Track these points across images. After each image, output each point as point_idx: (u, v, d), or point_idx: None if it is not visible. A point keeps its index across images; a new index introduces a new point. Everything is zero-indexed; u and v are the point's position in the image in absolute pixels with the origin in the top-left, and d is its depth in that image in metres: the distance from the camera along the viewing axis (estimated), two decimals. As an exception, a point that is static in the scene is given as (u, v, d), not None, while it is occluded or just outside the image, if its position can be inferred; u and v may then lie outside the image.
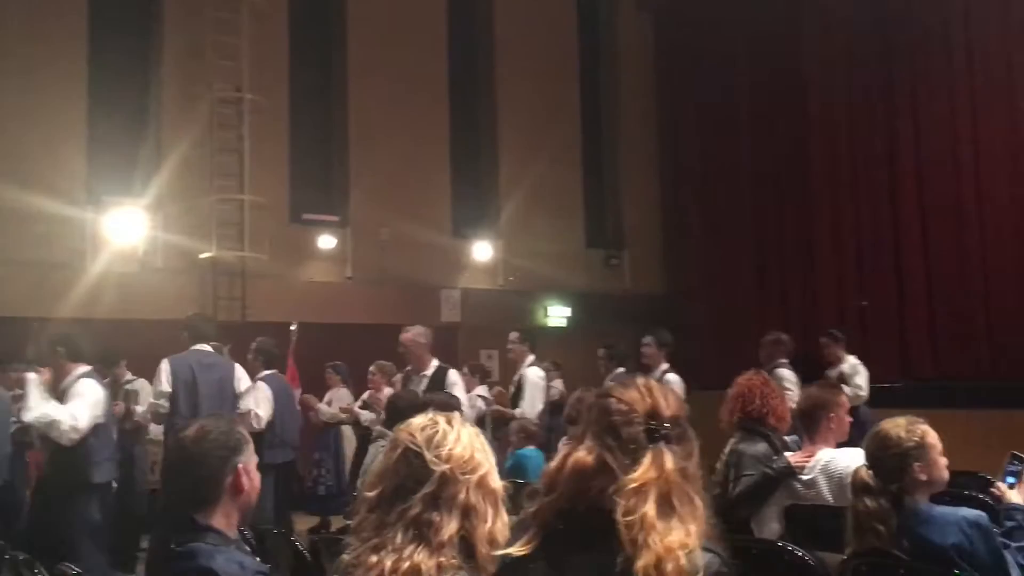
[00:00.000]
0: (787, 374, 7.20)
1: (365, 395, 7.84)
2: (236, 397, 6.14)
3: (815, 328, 12.42)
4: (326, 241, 11.89)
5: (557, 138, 13.70)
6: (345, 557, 1.94)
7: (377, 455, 4.97)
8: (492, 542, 1.88)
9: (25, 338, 8.49)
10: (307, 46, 12.34)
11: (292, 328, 9.20)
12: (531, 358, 7.10)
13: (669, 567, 1.55)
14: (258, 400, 6.44)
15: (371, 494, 1.96)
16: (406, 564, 1.83)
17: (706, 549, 1.63)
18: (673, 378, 6.79)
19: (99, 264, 10.18)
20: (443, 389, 6.03)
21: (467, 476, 1.93)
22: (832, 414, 3.93)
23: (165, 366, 5.94)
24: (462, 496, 1.91)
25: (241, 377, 6.30)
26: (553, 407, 7.63)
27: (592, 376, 7.46)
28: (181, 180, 10.76)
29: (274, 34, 11.63)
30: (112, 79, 10.88)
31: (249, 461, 2.36)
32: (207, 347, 6.18)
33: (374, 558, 1.86)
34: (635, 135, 14.82)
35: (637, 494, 1.61)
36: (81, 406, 5.14)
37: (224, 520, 2.30)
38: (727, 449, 4.24)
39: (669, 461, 1.64)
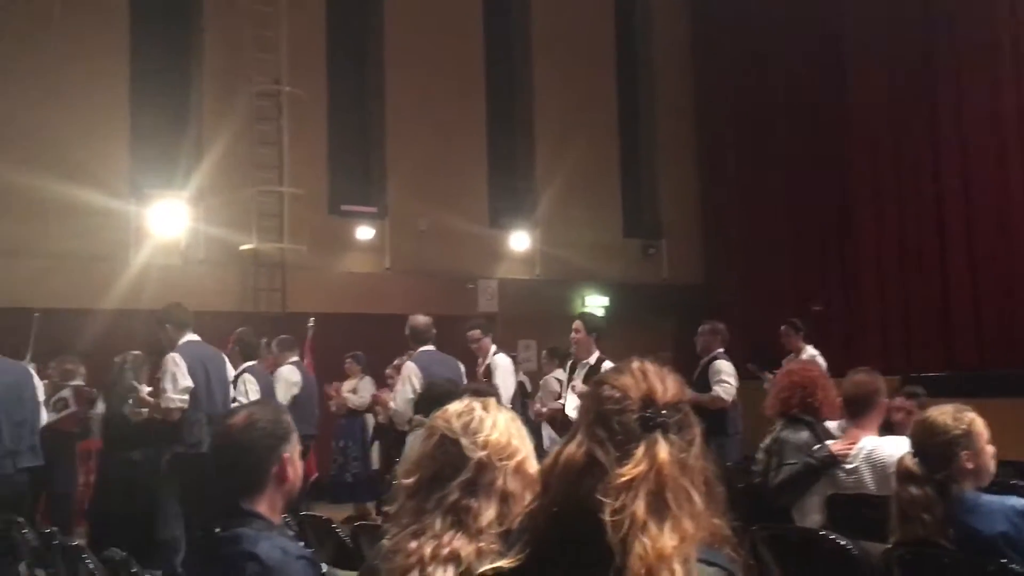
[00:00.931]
0: (725, 366, 6.96)
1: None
2: (229, 388, 6.13)
3: (858, 321, 12.34)
4: (364, 232, 11.96)
5: (593, 127, 13.65)
6: (385, 543, 1.95)
7: (415, 443, 5.02)
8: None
9: (72, 330, 8.69)
10: (344, 37, 12.40)
11: (310, 324, 9.24)
12: (493, 348, 7.08)
13: None
14: (248, 391, 6.45)
15: (409, 481, 1.96)
16: (446, 550, 1.84)
17: (708, 562, 1.44)
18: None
19: (142, 256, 10.34)
20: None
21: (504, 462, 1.93)
22: (881, 400, 3.89)
23: (180, 361, 5.70)
24: (500, 482, 1.92)
25: (230, 367, 6.29)
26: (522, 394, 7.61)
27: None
28: (222, 173, 10.88)
29: (312, 26, 11.71)
30: (154, 72, 11.03)
31: (295, 450, 2.38)
32: (196, 336, 6.04)
33: (414, 544, 1.87)
34: (672, 123, 14.71)
35: (626, 491, 1.41)
36: None
37: (269, 507, 2.32)
38: (769, 437, 4.20)
39: (664, 452, 1.44)
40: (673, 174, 14.66)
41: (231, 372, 6.27)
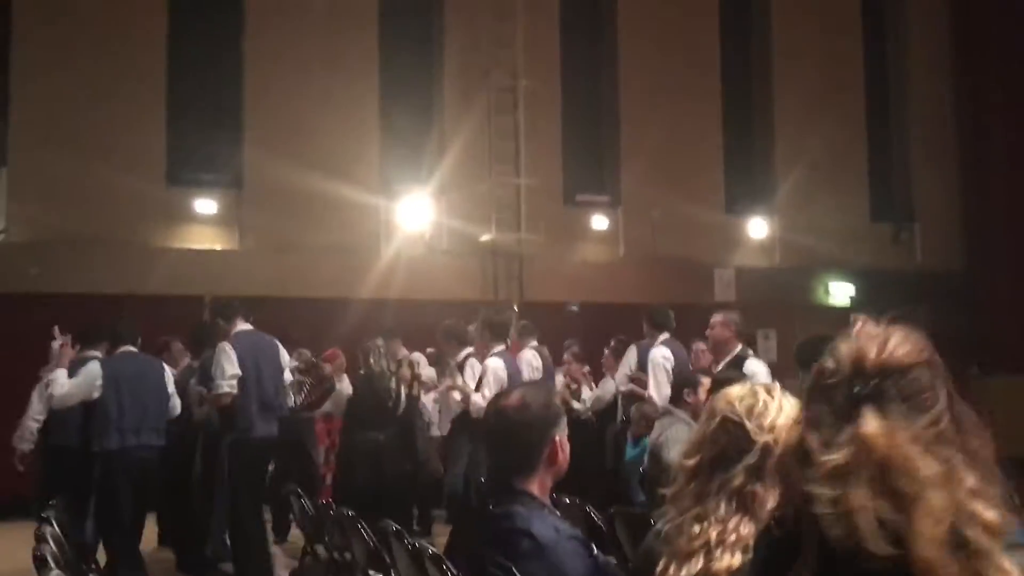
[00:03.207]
0: (760, 367, 5.88)
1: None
2: (282, 375, 6.30)
3: None
4: (598, 221, 12.02)
5: (839, 106, 12.93)
6: (665, 526, 1.92)
7: (664, 430, 4.95)
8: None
9: (332, 318, 9.34)
10: (578, 29, 12.49)
11: (513, 309, 9.30)
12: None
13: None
14: (474, 375, 6.57)
15: (690, 463, 1.92)
16: (732, 536, 1.77)
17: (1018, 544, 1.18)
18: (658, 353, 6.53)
19: (391, 248, 10.95)
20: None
21: (791, 448, 1.85)
22: None
23: (230, 350, 5.88)
24: (786, 469, 1.83)
25: (285, 355, 6.41)
26: None
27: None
28: (462, 166, 11.30)
29: (546, 18, 11.89)
30: (401, 72, 11.64)
31: (564, 433, 2.41)
32: (249, 326, 6.19)
33: (697, 528, 1.81)
34: (929, 96, 13.65)
35: (837, 478, 1.13)
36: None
37: (539, 487, 2.36)
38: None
39: (872, 427, 1.14)
40: (929, 150, 13.59)
41: (285, 360, 6.44)
